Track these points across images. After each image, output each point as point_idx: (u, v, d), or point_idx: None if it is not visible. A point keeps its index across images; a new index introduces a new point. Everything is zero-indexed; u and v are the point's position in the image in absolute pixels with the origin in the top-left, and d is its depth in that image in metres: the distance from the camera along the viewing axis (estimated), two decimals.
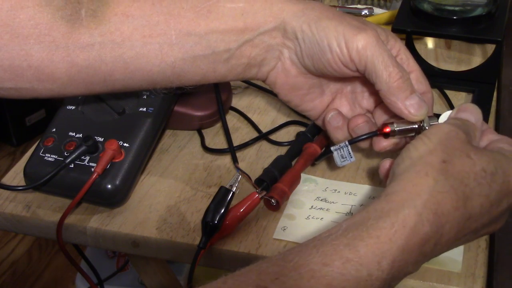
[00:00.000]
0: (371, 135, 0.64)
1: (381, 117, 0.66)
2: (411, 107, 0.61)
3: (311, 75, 0.65)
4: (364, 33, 0.60)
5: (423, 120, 0.62)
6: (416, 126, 0.62)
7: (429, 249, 0.51)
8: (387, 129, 0.63)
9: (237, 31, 0.62)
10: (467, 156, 0.54)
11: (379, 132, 0.63)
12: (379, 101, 0.66)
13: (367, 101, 0.68)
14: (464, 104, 0.61)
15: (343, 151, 0.64)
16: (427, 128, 0.61)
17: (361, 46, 0.60)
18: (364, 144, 0.66)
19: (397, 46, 0.64)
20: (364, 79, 0.64)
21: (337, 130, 0.67)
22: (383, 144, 0.64)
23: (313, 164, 0.68)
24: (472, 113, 0.60)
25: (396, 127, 0.63)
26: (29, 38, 0.58)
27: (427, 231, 0.50)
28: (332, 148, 0.64)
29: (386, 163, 0.60)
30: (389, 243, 0.49)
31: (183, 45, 0.61)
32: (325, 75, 0.65)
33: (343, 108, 0.68)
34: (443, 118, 0.62)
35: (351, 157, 0.64)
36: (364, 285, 0.48)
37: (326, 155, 0.64)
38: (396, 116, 0.63)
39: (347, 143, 0.64)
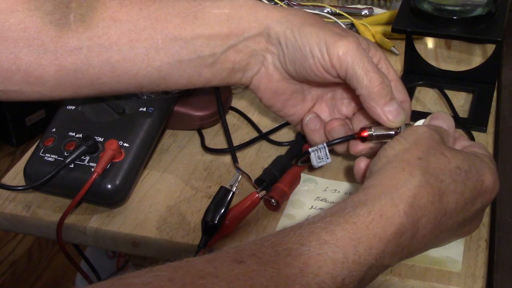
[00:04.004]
0: (349, 138, 0.66)
1: (359, 123, 0.68)
2: (389, 113, 0.63)
3: (293, 80, 0.67)
4: (345, 39, 0.62)
5: (400, 127, 0.63)
6: (393, 132, 0.64)
7: (406, 242, 0.52)
8: (365, 133, 0.64)
9: (222, 36, 0.64)
10: (442, 154, 0.56)
11: (357, 136, 0.65)
12: (358, 108, 0.68)
13: (346, 107, 0.70)
14: (437, 113, 0.63)
15: (320, 152, 0.65)
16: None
17: (342, 52, 0.61)
18: (340, 148, 0.68)
19: (378, 55, 0.66)
20: (345, 86, 0.66)
21: (314, 133, 0.69)
22: (359, 147, 0.66)
23: (297, 165, 0.69)
24: (444, 121, 0.61)
25: (374, 131, 0.64)
26: (18, 41, 0.59)
27: (403, 222, 0.51)
28: (309, 150, 0.66)
29: (361, 163, 0.62)
30: (366, 229, 0.50)
31: (169, 50, 0.63)
32: (307, 80, 0.66)
33: (323, 114, 0.70)
34: (417, 125, 0.63)
35: (328, 158, 0.66)
36: (341, 268, 0.48)
37: (305, 155, 0.66)
38: (374, 123, 0.65)
39: (324, 144, 0.66)
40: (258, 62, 0.66)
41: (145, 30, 0.62)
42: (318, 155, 0.65)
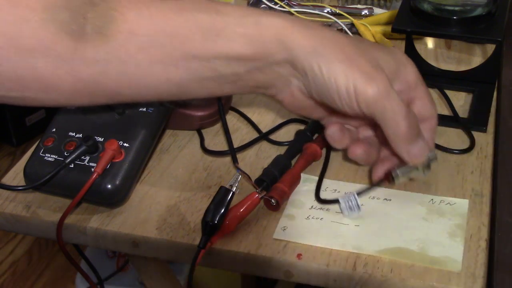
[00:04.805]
0: (377, 185, 0.68)
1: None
2: (413, 154, 0.64)
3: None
4: (374, 83, 0.60)
5: None
6: (418, 167, 0.66)
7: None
8: (391, 177, 0.67)
9: (245, 58, 0.61)
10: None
11: (384, 179, 0.67)
12: None
13: None
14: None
15: (351, 202, 0.66)
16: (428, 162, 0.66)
17: (370, 99, 0.60)
18: (339, 145, 0.69)
19: (408, 70, 0.65)
20: None
21: (337, 143, 0.69)
22: (357, 152, 0.67)
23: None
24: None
25: (399, 172, 0.66)
26: (34, 51, 0.57)
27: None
28: (340, 199, 0.67)
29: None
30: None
31: (189, 67, 0.61)
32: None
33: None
34: None
35: (359, 209, 0.66)
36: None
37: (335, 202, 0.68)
38: None
39: (355, 194, 0.66)
40: (283, 83, 0.64)
41: (164, 47, 0.59)
42: (349, 205, 0.66)
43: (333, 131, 0.68)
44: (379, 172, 0.69)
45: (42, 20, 0.56)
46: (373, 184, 0.67)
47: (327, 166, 0.73)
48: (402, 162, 0.66)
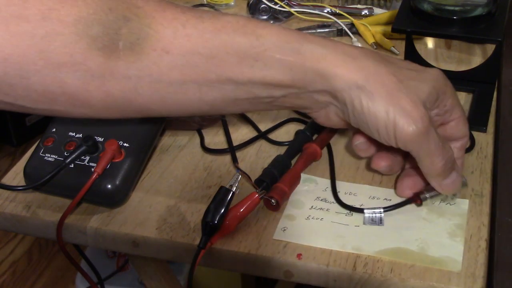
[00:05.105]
0: (405, 204, 0.67)
1: None
2: (446, 186, 0.64)
3: None
4: (414, 122, 0.59)
5: None
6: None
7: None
8: (419, 201, 0.67)
9: (282, 86, 0.60)
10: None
11: (412, 201, 0.67)
12: None
13: None
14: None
15: (375, 216, 0.66)
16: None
17: (409, 137, 0.59)
18: (364, 154, 0.68)
19: (448, 96, 0.64)
20: None
21: (362, 153, 0.68)
22: (381, 164, 0.67)
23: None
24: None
25: (428, 195, 0.67)
26: (64, 66, 0.55)
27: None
28: (365, 210, 0.67)
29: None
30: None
31: (223, 88, 0.59)
32: None
33: None
34: None
35: (381, 223, 0.66)
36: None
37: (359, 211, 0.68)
38: None
39: (381, 210, 0.67)
40: (320, 107, 0.63)
41: (198, 67, 0.58)
42: (372, 218, 0.66)
43: (360, 142, 0.67)
44: (405, 188, 0.68)
45: (74, 34, 0.55)
46: (400, 203, 0.67)
47: (334, 166, 0.73)
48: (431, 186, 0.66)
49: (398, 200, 0.68)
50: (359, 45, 0.94)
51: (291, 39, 0.59)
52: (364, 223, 0.66)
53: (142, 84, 0.58)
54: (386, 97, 0.59)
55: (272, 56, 0.58)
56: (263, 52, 0.58)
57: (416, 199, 0.67)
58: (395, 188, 0.69)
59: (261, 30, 0.59)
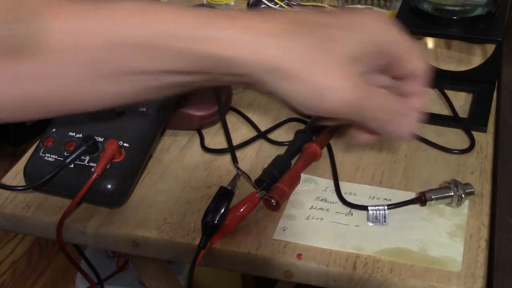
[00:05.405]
0: (409, 203, 0.67)
1: None
2: (397, 135, 0.56)
3: None
4: (340, 94, 0.52)
5: (456, 184, 0.67)
6: (452, 193, 0.67)
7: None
8: (423, 198, 0.67)
9: (188, 73, 0.56)
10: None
11: (417, 201, 0.68)
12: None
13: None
14: None
15: (379, 213, 0.67)
16: (462, 196, 0.66)
17: (342, 111, 0.53)
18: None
19: (397, 49, 0.55)
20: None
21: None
22: (364, 137, 0.58)
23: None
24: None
25: (433, 195, 0.67)
26: None
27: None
28: (369, 207, 0.67)
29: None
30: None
31: (129, 80, 0.56)
32: None
33: None
34: None
35: (385, 221, 0.66)
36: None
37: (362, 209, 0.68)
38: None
39: (385, 207, 0.67)
40: (247, 86, 0.58)
41: (98, 62, 0.55)
42: (376, 215, 0.66)
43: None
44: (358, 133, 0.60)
45: None
46: (403, 202, 0.67)
47: (335, 166, 0.73)
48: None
49: (398, 200, 0.68)
50: None
51: (194, 25, 0.54)
52: (367, 220, 0.66)
53: (39, 85, 0.55)
54: (303, 75, 0.52)
55: (169, 45, 0.53)
56: (160, 40, 0.53)
57: (421, 197, 0.67)
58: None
59: (161, 16, 0.54)
